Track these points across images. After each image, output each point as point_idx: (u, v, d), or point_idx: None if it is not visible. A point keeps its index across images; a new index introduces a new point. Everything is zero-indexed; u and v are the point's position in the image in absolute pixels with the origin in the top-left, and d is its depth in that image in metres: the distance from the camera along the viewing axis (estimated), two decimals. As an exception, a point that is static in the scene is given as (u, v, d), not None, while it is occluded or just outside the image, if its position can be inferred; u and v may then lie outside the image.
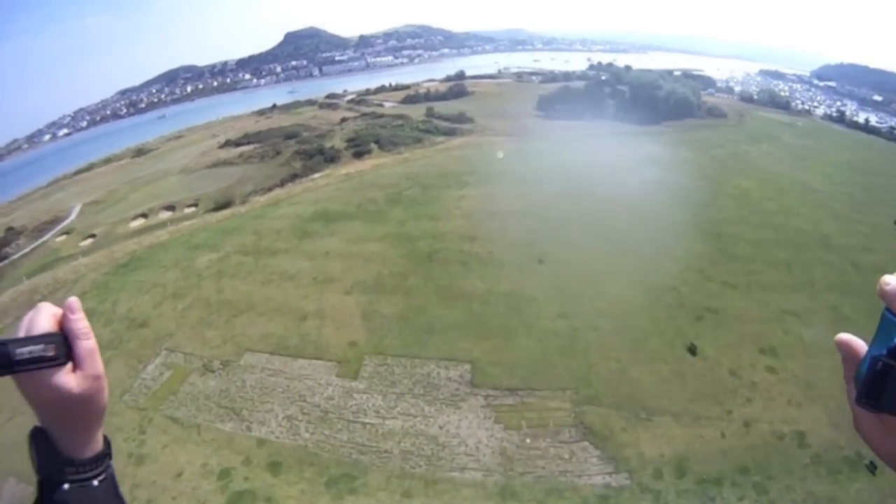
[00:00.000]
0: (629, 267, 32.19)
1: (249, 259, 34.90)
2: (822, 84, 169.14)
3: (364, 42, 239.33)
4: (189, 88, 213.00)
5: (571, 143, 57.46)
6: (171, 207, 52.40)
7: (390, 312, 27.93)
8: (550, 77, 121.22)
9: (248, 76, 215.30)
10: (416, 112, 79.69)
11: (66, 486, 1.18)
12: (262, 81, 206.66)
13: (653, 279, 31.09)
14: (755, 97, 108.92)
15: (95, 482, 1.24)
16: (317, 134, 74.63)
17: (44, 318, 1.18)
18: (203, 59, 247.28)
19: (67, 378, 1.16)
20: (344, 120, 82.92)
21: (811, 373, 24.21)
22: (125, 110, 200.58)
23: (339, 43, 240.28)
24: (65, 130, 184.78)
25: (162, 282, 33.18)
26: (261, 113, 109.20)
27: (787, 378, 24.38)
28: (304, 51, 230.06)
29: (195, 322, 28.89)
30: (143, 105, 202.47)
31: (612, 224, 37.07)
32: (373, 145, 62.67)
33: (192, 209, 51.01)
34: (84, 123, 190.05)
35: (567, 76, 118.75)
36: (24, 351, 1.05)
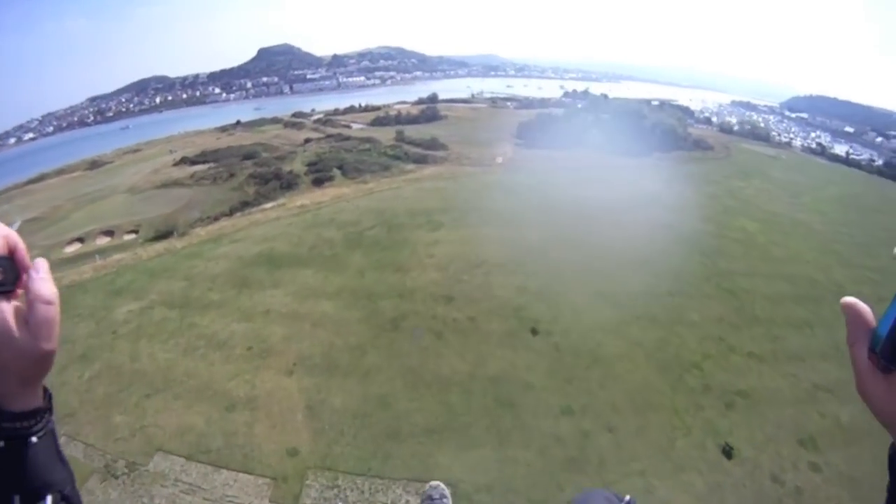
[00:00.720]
0: (642, 338, 25.45)
1: (175, 315, 27.28)
2: (793, 115, 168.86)
3: (337, 61, 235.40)
4: (158, 99, 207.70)
5: (558, 176, 51.07)
6: (109, 233, 46.09)
7: (343, 405, 20.62)
8: (526, 103, 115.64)
9: (217, 90, 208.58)
10: (386, 135, 72.79)
11: (1, 443, 1.03)
12: (232, 96, 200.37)
13: (671, 354, 24.38)
14: (734, 129, 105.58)
15: (34, 438, 1.10)
16: (277, 155, 67.46)
17: None
18: (176, 71, 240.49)
19: (8, 315, 1.01)
20: (308, 141, 76.01)
21: (854, 466, 18.32)
22: (92, 118, 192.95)
23: (313, 61, 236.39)
24: (30, 135, 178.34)
25: (73, 337, 25.59)
26: (223, 129, 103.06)
27: (831, 477, 17.92)
28: (276, 67, 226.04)
29: (102, 399, 21.27)
30: (110, 113, 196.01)
31: (615, 278, 30.39)
32: (335, 171, 55.83)
33: (132, 236, 44.51)
34: (51, 129, 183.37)
35: (543, 103, 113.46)
36: None
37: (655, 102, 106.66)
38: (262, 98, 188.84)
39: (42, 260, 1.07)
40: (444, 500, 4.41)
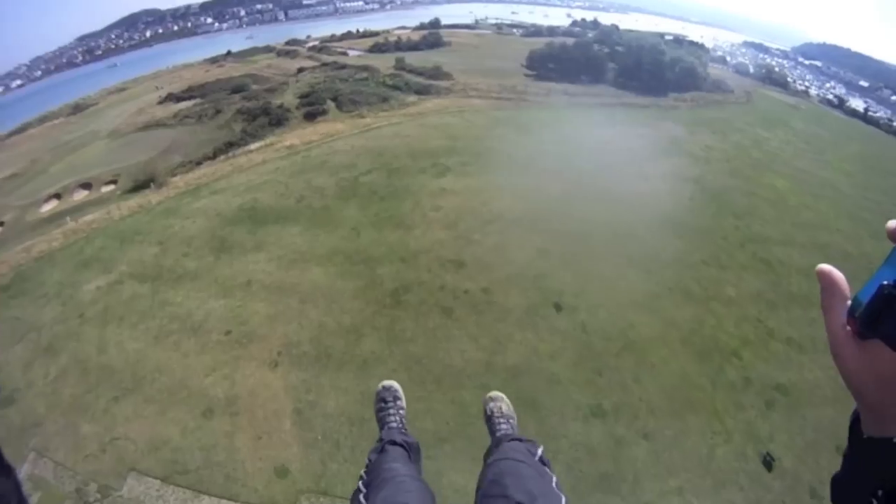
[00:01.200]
0: (676, 316, 21.52)
1: (146, 290, 22.77)
2: (807, 63, 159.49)
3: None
4: (149, 34, 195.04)
5: (575, 115, 45.71)
6: (87, 185, 41.10)
7: (336, 408, 16.62)
8: (533, 31, 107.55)
9: (210, 20, 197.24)
10: (385, 63, 66.27)
11: None
12: (225, 25, 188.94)
13: (708, 337, 20.73)
14: (750, 71, 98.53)
15: None
16: (267, 87, 61.35)
17: None
18: (167, 2, 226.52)
19: None
20: (301, 70, 69.44)
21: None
22: (81, 58, 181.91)
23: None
24: (18, 81, 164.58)
25: (38, 323, 21.54)
26: (213, 61, 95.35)
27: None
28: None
29: (69, 403, 17.50)
30: (100, 52, 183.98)
31: (645, 242, 26.14)
32: (329, 104, 50.04)
33: (111, 187, 39.61)
34: (39, 73, 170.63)
35: (552, 31, 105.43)
36: None
37: (669, 37, 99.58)
38: (257, 26, 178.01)
39: None
40: (399, 402, 3.64)
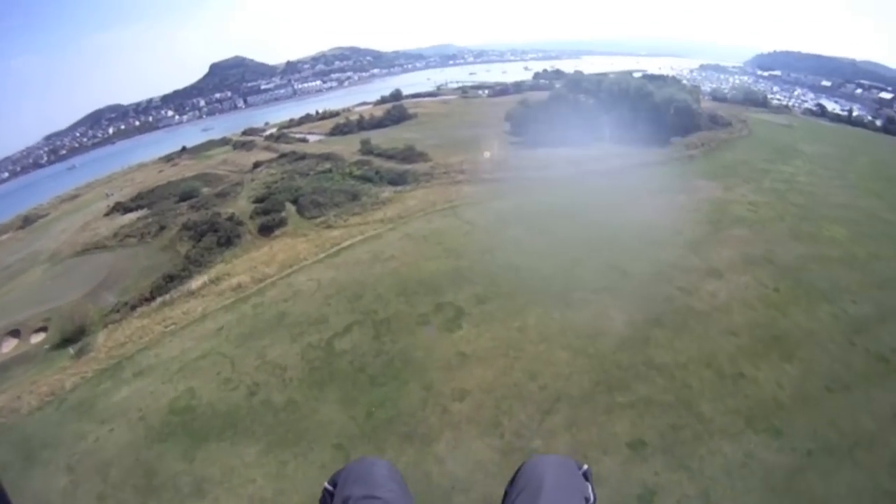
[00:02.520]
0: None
1: None
2: (766, 74, 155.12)
3: (291, 68, 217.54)
4: (111, 130, 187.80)
5: (593, 192, 36.07)
6: (16, 333, 32.35)
7: None
8: (500, 90, 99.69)
9: (170, 113, 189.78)
10: (349, 147, 56.73)
11: None
12: (185, 118, 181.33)
13: None
14: (728, 96, 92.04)
15: None
16: (219, 190, 51.51)
17: None
18: (130, 97, 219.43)
19: None
20: (257, 166, 59.61)
21: None
22: (45, 158, 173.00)
23: (266, 71, 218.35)
24: None
25: None
26: (168, 159, 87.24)
27: None
28: (229, 81, 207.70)
29: None
30: (64, 151, 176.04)
31: (760, 388, 17.88)
32: (288, 208, 40.38)
33: (41, 336, 31.39)
34: (6, 174, 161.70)
35: (517, 87, 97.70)
36: None
37: (638, 74, 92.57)
38: (216, 116, 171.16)
39: None
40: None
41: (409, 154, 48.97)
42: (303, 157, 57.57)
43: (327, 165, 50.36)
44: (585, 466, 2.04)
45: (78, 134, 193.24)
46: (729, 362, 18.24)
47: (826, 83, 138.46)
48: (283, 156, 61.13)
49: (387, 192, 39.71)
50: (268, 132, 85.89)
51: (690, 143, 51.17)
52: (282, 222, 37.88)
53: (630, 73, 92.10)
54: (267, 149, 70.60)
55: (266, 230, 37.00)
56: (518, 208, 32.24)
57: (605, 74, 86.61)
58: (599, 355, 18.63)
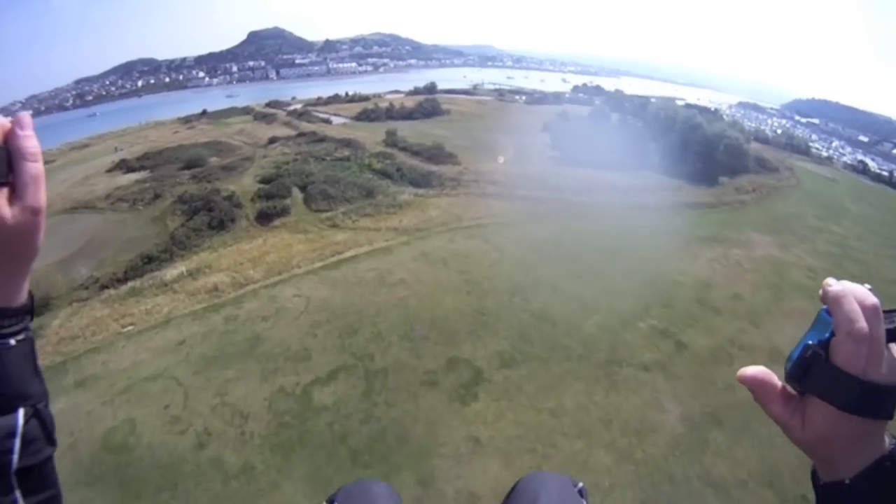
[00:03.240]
0: None
1: None
2: (804, 121, 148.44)
3: (329, 47, 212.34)
4: (140, 83, 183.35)
5: (638, 226, 30.94)
6: None
7: None
8: (537, 98, 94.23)
9: (201, 74, 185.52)
10: (373, 136, 51.85)
11: None
12: (215, 81, 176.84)
13: None
14: (770, 139, 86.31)
15: (12, 341, 0.93)
16: (227, 163, 46.96)
17: None
18: (165, 53, 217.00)
19: (2, 203, 0.88)
20: (273, 141, 54.99)
21: None
22: (71, 101, 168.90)
23: (304, 46, 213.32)
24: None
25: None
26: (187, 121, 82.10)
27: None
28: (265, 52, 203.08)
29: None
30: (90, 97, 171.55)
31: None
32: (296, 194, 35.75)
33: None
34: (30, 112, 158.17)
35: (557, 98, 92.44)
36: None
37: (681, 102, 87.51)
38: (247, 83, 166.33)
39: (26, 114, 0.92)
40: None
41: (437, 153, 44.04)
42: (322, 139, 52.84)
43: (346, 153, 45.53)
44: (580, 484, 1.99)
45: (108, 82, 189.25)
46: (793, 481, 13.48)
47: (863, 138, 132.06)
48: (301, 134, 56.47)
49: (406, 193, 34.72)
50: (291, 107, 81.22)
51: (740, 187, 45.85)
52: (284, 211, 33.05)
53: (673, 100, 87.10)
54: (287, 124, 65.95)
55: (265, 218, 32.19)
56: (557, 239, 27.12)
57: (646, 98, 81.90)
58: (649, 462, 13.79)
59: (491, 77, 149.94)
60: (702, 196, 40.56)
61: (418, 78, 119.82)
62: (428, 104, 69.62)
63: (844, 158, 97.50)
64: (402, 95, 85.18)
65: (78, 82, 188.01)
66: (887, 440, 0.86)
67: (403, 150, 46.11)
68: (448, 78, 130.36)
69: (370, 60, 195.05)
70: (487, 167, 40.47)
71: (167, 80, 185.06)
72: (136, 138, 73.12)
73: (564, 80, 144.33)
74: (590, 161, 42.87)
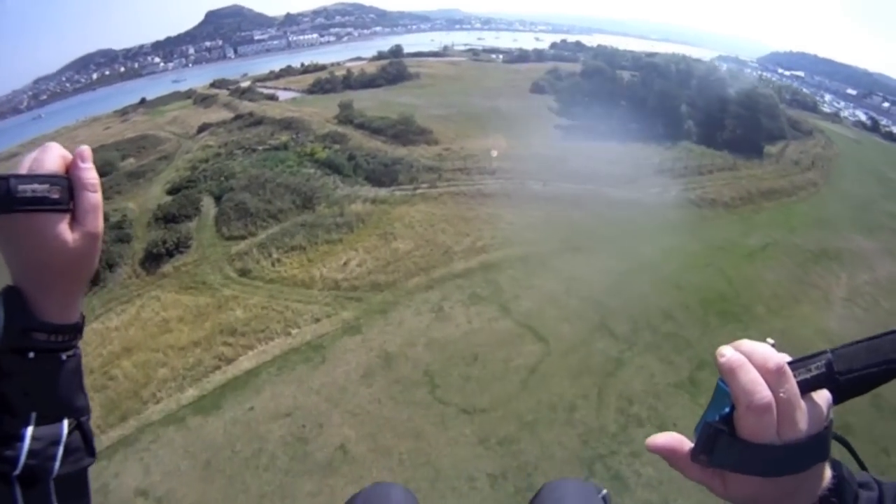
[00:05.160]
0: None
1: None
2: (788, 74, 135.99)
3: (290, 20, 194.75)
4: (95, 76, 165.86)
5: (725, 243, 19.21)
6: None
7: None
8: (518, 56, 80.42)
9: (157, 60, 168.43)
10: (325, 111, 38.78)
11: (31, 354, 0.91)
12: (171, 65, 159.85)
13: None
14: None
15: (64, 356, 0.96)
16: (138, 167, 34.81)
17: (51, 158, 0.93)
18: (122, 42, 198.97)
19: (65, 228, 0.91)
20: (203, 129, 41.93)
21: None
22: (26, 103, 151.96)
23: (264, 21, 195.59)
24: None
25: None
26: (123, 113, 69.67)
27: None
28: (224, 31, 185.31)
29: None
30: (45, 97, 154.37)
31: None
32: (207, 209, 23.62)
33: None
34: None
35: (539, 55, 78.98)
36: (27, 189, 0.84)
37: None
38: (203, 64, 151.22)
39: (86, 147, 0.95)
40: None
41: (406, 129, 30.97)
42: (259, 121, 39.53)
43: (284, 138, 32.45)
44: (605, 491, 1.91)
45: (64, 79, 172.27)
46: None
47: (851, 91, 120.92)
48: (237, 117, 43.10)
49: (361, 199, 21.95)
50: (242, 84, 66.92)
51: (791, 158, 34.45)
52: (181, 244, 20.49)
53: (681, 54, 73.64)
54: (227, 106, 52.22)
55: (153, 261, 19.54)
56: (630, 282, 14.78)
57: (635, 52, 69.50)
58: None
59: (461, 39, 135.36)
60: (767, 176, 28.75)
61: (384, 45, 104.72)
62: (393, 68, 55.70)
63: (844, 114, 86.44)
64: (364, 62, 70.75)
65: (36, 82, 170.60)
66: (829, 472, 0.78)
67: (360, 127, 33.11)
68: (415, 42, 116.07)
69: (333, 31, 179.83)
70: (475, 145, 27.64)
71: (122, 69, 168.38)
72: (65, 140, 59.42)
73: (538, 39, 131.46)
74: (608, 131, 30.32)
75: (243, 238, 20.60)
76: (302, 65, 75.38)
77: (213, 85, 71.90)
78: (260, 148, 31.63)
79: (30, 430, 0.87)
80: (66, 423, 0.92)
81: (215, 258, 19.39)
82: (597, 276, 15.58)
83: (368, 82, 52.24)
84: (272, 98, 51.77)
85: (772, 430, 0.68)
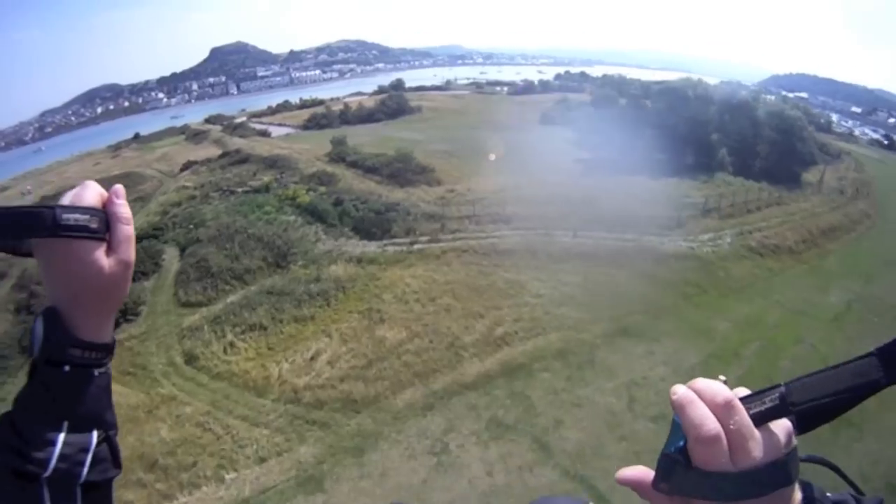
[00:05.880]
0: None
1: None
2: (791, 96, 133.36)
3: (293, 57, 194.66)
4: (99, 110, 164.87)
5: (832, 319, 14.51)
6: None
7: None
8: (523, 87, 76.90)
9: (160, 95, 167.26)
10: (318, 147, 34.60)
11: (66, 367, 0.96)
12: (174, 101, 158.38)
13: None
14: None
15: (96, 372, 1.00)
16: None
17: (90, 194, 0.99)
18: (129, 77, 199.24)
19: (102, 255, 0.98)
20: (187, 167, 38.13)
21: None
22: (31, 135, 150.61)
23: (268, 58, 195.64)
24: None
25: None
26: (116, 148, 66.10)
27: None
28: (228, 67, 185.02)
29: None
30: (50, 129, 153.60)
31: None
32: (169, 263, 19.85)
33: None
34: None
35: (545, 86, 75.51)
36: (70, 217, 0.90)
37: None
38: (205, 100, 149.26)
39: (119, 186, 1.01)
40: None
41: (403, 167, 26.63)
42: (245, 159, 35.41)
43: (267, 178, 28.14)
44: (591, 502, 1.67)
45: (70, 112, 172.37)
46: None
47: (856, 109, 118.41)
48: (224, 155, 39.13)
49: (344, 258, 17.40)
50: (238, 120, 63.14)
51: (832, 186, 30.21)
52: (128, 311, 16.22)
53: (696, 78, 69.58)
54: (217, 142, 48.40)
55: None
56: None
57: (661, 81, 65.96)
58: None
59: (463, 74, 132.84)
60: (819, 210, 24.52)
61: (385, 80, 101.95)
62: (393, 101, 51.85)
63: (855, 133, 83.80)
64: (364, 97, 67.13)
65: (43, 114, 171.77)
66: (799, 493, 0.78)
67: (353, 165, 28.79)
68: (418, 77, 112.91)
69: (335, 67, 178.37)
70: (485, 185, 23.21)
71: (126, 104, 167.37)
72: (56, 175, 57.67)
73: (540, 72, 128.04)
74: (634, 164, 25.83)
75: (201, 305, 16.21)
76: (301, 100, 71.60)
77: (207, 120, 68.44)
78: (239, 190, 27.38)
79: (61, 437, 0.91)
80: (95, 434, 0.97)
81: (165, 332, 15.03)
82: (667, 375, 10.92)
83: (367, 117, 48.30)
84: (264, 134, 47.88)
85: (724, 458, 0.71)
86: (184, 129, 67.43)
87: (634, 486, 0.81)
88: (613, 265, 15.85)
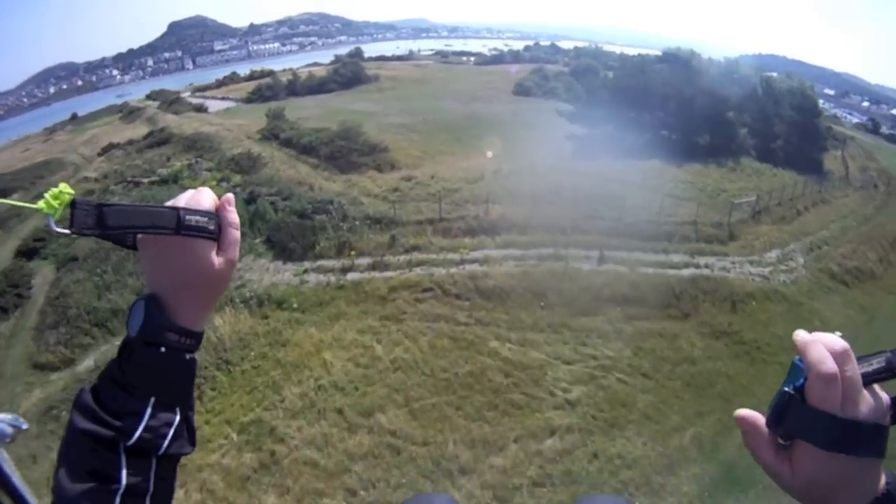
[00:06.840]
0: None
1: None
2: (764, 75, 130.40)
3: (253, 30, 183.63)
4: (52, 90, 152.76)
5: None
6: None
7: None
8: (492, 57, 70.57)
9: (115, 73, 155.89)
10: (254, 122, 28.04)
11: (162, 348, 0.96)
12: (128, 78, 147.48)
13: None
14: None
15: (187, 356, 1.00)
16: (10, 210, 23.31)
17: (207, 199, 1.01)
18: (85, 55, 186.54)
19: (213, 254, 1.00)
20: (106, 150, 31.83)
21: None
22: None
23: (227, 32, 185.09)
24: None
25: None
26: (52, 131, 60.13)
27: None
28: (186, 42, 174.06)
29: None
30: (1, 112, 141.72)
31: None
32: (40, 286, 13.68)
33: None
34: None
35: (515, 56, 69.28)
36: (192, 218, 0.93)
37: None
38: (160, 76, 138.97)
39: (230, 195, 1.03)
40: None
41: (347, 145, 20.47)
42: (165, 140, 28.80)
43: (179, 164, 21.78)
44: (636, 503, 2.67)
45: (23, 93, 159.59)
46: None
47: (829, 91, 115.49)
48: (149, 135, 32.44)
49: (240, 299, 11.43)
50: (184, 96, 55.54)
51: (857, 176, 25.52)
52: None
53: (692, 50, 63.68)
54: (149, 120, 41.30)
55: None
56: None
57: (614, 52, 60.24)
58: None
59: (428, 46, 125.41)
60: (865, 210, 19.49)
61: (346, 52, 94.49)
62: (347, 70, 44.99)
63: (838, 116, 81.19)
64: (319, 68, 59.83)
65: None
66: (884, 479, 0.80)
67: (287, 144, 22.55)
68: (381, 50, 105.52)
69: (296, 40, 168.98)
70: (454, 169, 17.28)
71: (80, 83, 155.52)
72: None
73: (507, 45, 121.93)
74: (639, 144, 20.23)
75: (54, 370, 10.34)
76: (251, 71, 63.94)
77: (148, 97, 60.70)
78: (145, 181, 21.02)
79: (149, 410, 0.93)
80: (178, 411, 0.99)
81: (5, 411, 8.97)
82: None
83: (317, 87, 41.56)
84: (200, 109, 40.84)
85: (836, 400, 0.73)
86: (122, 108, 59.90)
87: (748, 427, 0.83)
88: (668, 314, 10.06)
